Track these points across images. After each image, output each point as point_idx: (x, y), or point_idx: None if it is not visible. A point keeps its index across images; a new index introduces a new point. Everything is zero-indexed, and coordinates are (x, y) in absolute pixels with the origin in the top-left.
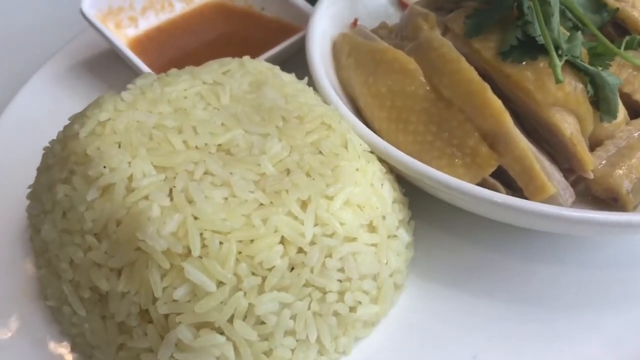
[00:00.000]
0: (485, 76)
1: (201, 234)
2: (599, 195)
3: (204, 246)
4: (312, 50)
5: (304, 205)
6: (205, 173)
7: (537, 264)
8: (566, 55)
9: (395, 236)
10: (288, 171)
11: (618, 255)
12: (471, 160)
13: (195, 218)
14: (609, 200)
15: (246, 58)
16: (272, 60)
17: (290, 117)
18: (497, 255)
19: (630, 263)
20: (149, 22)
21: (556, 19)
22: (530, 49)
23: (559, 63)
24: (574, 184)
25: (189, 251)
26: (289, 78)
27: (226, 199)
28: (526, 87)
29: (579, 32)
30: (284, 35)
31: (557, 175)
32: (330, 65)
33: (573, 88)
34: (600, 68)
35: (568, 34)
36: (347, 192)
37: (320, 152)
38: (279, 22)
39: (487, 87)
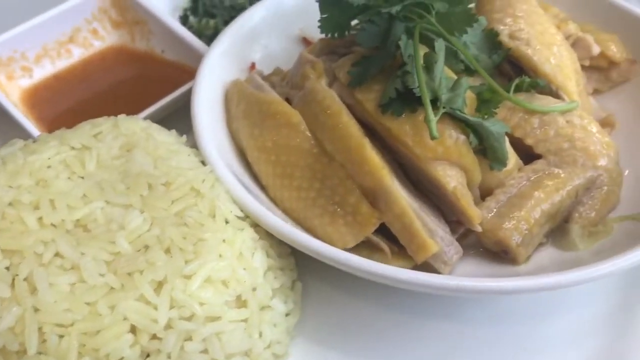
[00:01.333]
0: (371, 127)
1: (40, 328)
2: (490, 248)
3: (43, 341)
4: (196, 102)
5: (159, 286)
6: (56, 255)
7: (430, 321)
8: (444, 108)
9: (269, 307)
10: (146, 248)
11: (514, 310)
12: (352, 219)
13: (36, 310)
14: (500, 252)
15: (121, 117)
16: (164, 110)
17: (157, 183)
18: (389, 313)
19: (529, 316)
20: (45, 70)
21: (440, 66)
22: (410, 101)
23: (433, 118)
24: (465, 236)
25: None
26: (164, 138)
27: (73, 284)
28: (405, 142)
29: (464, 79)
30: (184, 79)
31: (440, 231)
32: (223, 114)
33: (454, 141)
34: (485, 116)
35: (455, 78)
36: (208, 269)
37: (185, 224)
38: (180, 66)
39: (365, 143)
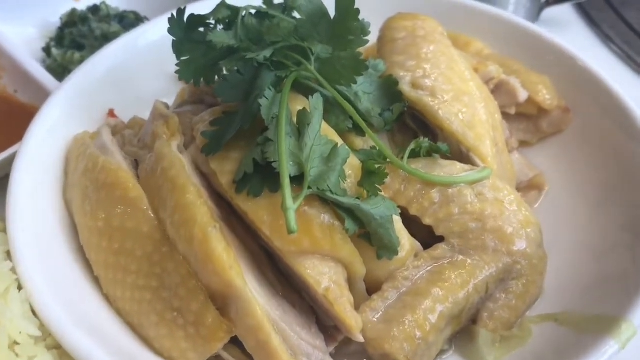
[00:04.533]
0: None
1: None
2: None
3: None
4: (18, 166)
5: None
6: None
7: None
8: (310, 188)
9: None
10: None
11: None
12: (195, 331)
13: None
14: None
15: None
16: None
17: None
18: None
19: None
20: None
21: (314, 129)
22: (271, 177)
23: (292, 206)
24: (347, 343)
25: None
26: None
27: None
28: (262, 231)
29: (342, 148)
30: None
31: (306, 347)
32: (61, 180)
33: (324, 230)
34: (368, 193)
35: (334, 145)
36: None
37: None
38: (34, 110)
39: (210, 233)
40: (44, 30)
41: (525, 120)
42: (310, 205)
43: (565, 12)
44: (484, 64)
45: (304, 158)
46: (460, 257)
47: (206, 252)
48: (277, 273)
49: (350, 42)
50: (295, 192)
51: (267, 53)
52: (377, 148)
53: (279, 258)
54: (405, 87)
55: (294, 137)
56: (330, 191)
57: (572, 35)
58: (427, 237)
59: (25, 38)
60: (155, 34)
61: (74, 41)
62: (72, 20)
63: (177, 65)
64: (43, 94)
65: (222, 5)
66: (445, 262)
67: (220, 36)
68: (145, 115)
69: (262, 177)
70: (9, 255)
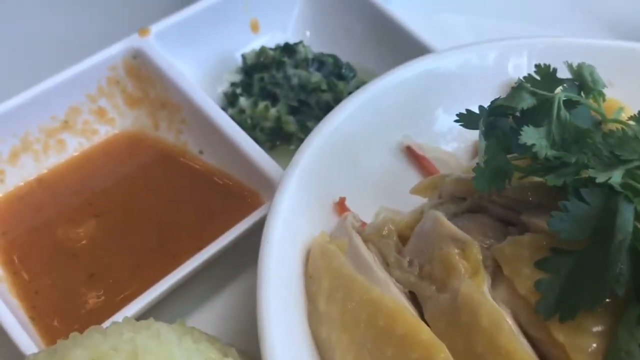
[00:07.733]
0: None
1: None
2: None
3: None
4: (264, 292)
5: None
6: None
7: None
8: None
9: None
10: None
11: None
12: None
13: None
14: None
15: (142, 331)
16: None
17: None
18: None
19: None
20: (24, 173)
21: None
22: None
23: None
24: None
25: None
26: None
27: None
28: None
29: None
30: (233, 205)
31: None
32: (302, 294)
33: None
34: None
35: None
36: None
37: None
38: (227, 180)
39: None
40: (213, 70)
41: None
42: None
43: None
44: None
45: None
46: None
47: None
48: None
49: None
50: None
51: (618, 174)
52: None
53: None
54: None
55: None
56: None
57: None
58: None
59: (196, 78)
60: (380, 94)
61: (264, 89)
62: (262, 61)
63: (475, 169)
64: (240, 161)
65: (522, 89)
66: None
67: (532, 136)
68: (374, 204)
69: None
70: None
